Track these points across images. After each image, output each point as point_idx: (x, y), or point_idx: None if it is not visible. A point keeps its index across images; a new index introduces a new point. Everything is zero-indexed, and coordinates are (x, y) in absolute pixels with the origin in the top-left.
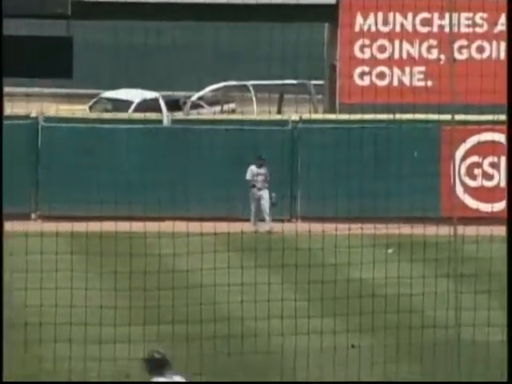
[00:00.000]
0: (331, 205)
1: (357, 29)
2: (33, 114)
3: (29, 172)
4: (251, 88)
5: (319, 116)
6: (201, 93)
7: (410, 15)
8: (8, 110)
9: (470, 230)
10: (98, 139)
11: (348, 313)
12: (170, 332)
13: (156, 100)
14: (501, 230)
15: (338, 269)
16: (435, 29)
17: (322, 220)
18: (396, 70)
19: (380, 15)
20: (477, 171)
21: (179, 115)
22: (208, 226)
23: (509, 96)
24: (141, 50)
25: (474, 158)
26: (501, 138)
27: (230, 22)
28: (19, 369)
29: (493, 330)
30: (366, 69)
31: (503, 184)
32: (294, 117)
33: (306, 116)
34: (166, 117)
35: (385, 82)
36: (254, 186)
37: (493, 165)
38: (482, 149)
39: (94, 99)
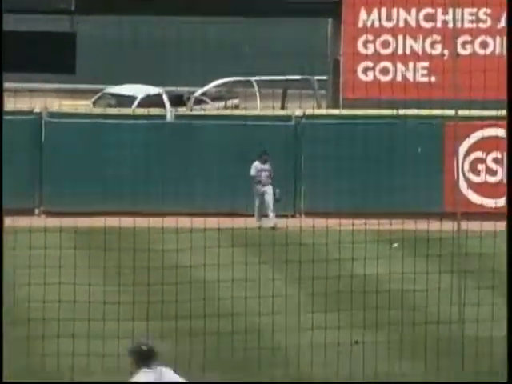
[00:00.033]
0: (335, 200)
1: (360, 24)
2: (36, 110)
3: (32, 167)
4: (255, 83)
5: (323, 111)
6: (204, 88)
7: (413, 11)
8: (12, 105)
9: (474, 226)
10: (102, 134)
11: (352, 308)
12: (174, 327)
13: (159, 95)
14: (504, 226)
15: (341, 264)
16: (439, 24)
17: (325, 215)
18: (399, 66)
19: (383, 11)
20: (480, 167)
21: (183, 111)
22: (212, 222)
23: (509, 92)
24: (145, 46)
25: (478, 154)
26: (504, 133)
27: (234, 17)
28: (22, 365)
29: (496, 326)
30: (370, 64)
31: None
32: (298, 112)
33: (309, 111)
34: (169, 112)
35: (388, 78)
36: (258, 182)
37: (496, 160)
38: (485, 144)
39: (98, 94)
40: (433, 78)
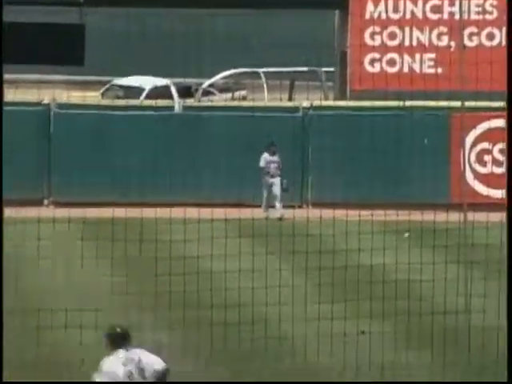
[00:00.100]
0: (342, 191)
1: (367, 16)
2: (45, 101)
3: (41, 158)
4: (262, 75)
5: (330, 103)
6: (212, 80)
7: (420, 2)
8: (20, 96)
9: (480, 216)
10: (110, 126)
11: (358, 298)
12: (181, 317)
13: (167, 87)
14: None
15: (348, 255)
16: (445, 16)
17: (332, 206)
18: (406, 57)
19: (390, 2)
20: (487, 158)
21: (190, 102)
22: (219, 212)
23: (509, 85)
24: (152, 38)
25: (484, 145)
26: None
27: (242, 9)
28: (32, 355)
29: (502, 316)
30: (377, 56)
31: None
32: (305, 103)
33: (316, 103)
34: (177, 103)
35: (395, 69)
36: (267, 174)
37: (503, 151)
38: (491, 135)
39: (106, 86)
40: (439, 70)
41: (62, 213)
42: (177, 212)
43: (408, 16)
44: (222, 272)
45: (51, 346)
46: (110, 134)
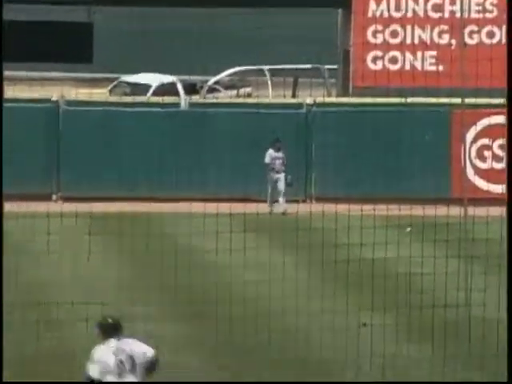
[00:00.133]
0: (345, 186)
1: (370, 14)
2: (54, 98)
3: (50, 154)
4: (267, 72)
5: (333, 99)
6: (217, 77)
7: (421, 1)
8: (29, 93)
9: (480, 211)
10: (117, 122)
11: (360, 292)
12: (186, 310)
13: (173, 84)
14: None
15: (350, 249)
16: (446, 14)
17: (335, 201)
18: (408, 55)
19: (392, 1)
20: (487, 153)
21: (196, 99)
22: (224, 207)
23: (509, 83)
24: (159, 36)
25: (484, 141)
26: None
27: (247, 7)
28: (37, 348)
29: (502, 309)
30: (379, 53)
31: None
32: (309, 100)
33: (320, 99)
34: (183, 100)
35: (397, 67)
36: (272, 170)
37: (502, 147)
38: (491, 131)
39: (114, 83)
40: (440, 67)
41: (70, 207)
42: (183, 207)
43: (410, 14)
44: (227, 266)
45: (58, 339)
46: (118, 131)
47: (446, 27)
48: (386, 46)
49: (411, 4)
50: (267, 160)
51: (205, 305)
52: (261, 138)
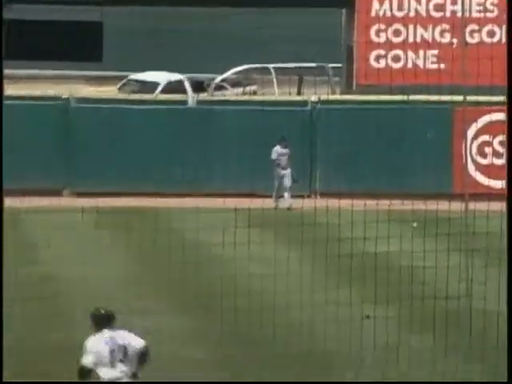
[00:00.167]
0: (348, 182)
1: (373, 14)
2: (64, 95)
3: (60, 150)
4: (272, 70)
5: (337, 97)
6: (224, 75)
7: (423, 1)
8: (40, 91)
9: (481, 206)
10: (126, 119)
11: (364, 285)
12: (193, 304)
13: (181, 82)
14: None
15: (354, 243)
16: (448, 14)
17: (339, 196)
18: (410, 54)
19: (395, 1)
20: (487, 149)
21: (204, 96)
22: (231, 202)
23: (509, 81)
24: (167, 35)
25: (485, 137)
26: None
27: (253, 7)
28: (49, 339)
29: (503, 301)
30: (382, 52)
31: None
32: (313, 98)
33: (324, 97)
34: (191, 98)
35: (399, 65)
36: (278, 166)
37: (503, 143)
38: (492, 128)
39: (123, 81)
40: (442, 65)
41: (80, 203)
42: (190, 202)
43: (412, 14)
44: (233, 259)
45: (66, 331)
46: (126, 127)
47: (447, 26)
48: (388, 45)
49: (413, 4)
50: (273, 156)
51: (210, 298)
52: (266, 135)
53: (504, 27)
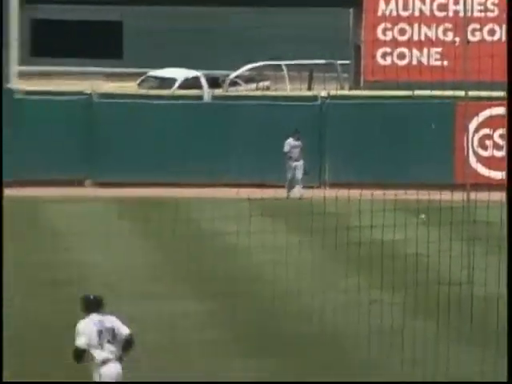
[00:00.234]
0: (356, 172)
1: (379, 13)
2: (87, 91)
3: (83, 143)
4: (284, 67)
5: (345, 92)
6: (238, 71)
7: (427, 1)
8: (64, 86)
9: (482, 196)
10: (146, 113)
11: (371, 271)
12: (210, 289)
13: (197, 78)
14: None
15: (361, 231)
16: (451, 13)
17: (347, 186)
18: (415, 51)
19: (400, 1)
20: (488, 142)
21: (219, 92)
22: (245, 193)
23: (509, 77)
24: (184, 34)
25: (486, 131)
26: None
27: (266, 7)
28: (65, 323)
29: (502, 287)
30: (388, 50)
31: None
32: (323, 93)
33: (333, 92)
34: (206, 93)
35: (405, 62)
36: (290, 158)
37: (503, 136)
38: (492, 122)
39: (142, 77)
40: (445, 63)
41: (102, 193)
42: (205, 192)
43: (417, 13)
44: (247, 247)
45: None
46: (146, 121)
47: (450, 25)
48: (394, 43)
49: (418, 4)
50: (286, 149)
51: (226, 284)
52: (278, 129)
53: (504, 26)
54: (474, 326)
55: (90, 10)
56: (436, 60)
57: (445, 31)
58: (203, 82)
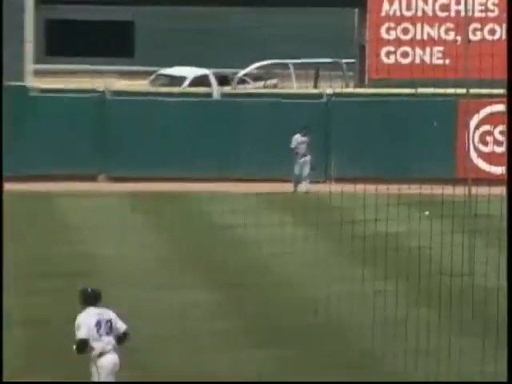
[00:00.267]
0: (361, 168)
1: (383, 13)
2: (100, 88)
3: (96, 139)
4: (291, 66)
5: (350, 90)
6: (246, 70)
7: (430, 1)
8: (78, 84)
9: (483, 191)
10: (157, 110)
11: (375, 262)
12: (220, 280)
13: (207, 76)
14: None
15: (366, 224)
16: (452, 13)
17: (352, 181)
18: (418, 50)
19: (404, 1)
20: (489, 138)
21: (228, 89)
22: (252, 187)
23: (509, 75)
24: (194, 33)
25: (487, 127)
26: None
27: (274, 7)
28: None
29: (502, 278)
30: (392, 49)
31: None
32: (329, 91)
33: (338, 90)
34: (215, 91)
35: (408, 60)
36: (297, 154)
37: (503, 132)
38: (493, 119)
39: (153, 75)
40: (447, 61)
41: (115, 187)
42: (215, 187)
43: (419, 13)
44: (255, 239)
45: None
46: (157, 118)
47: (452, 25)
48: (398, 42)
49: (421, 4)
50: (293, 145)
51: (236, 275)
52: (285, 125)
53: (504, 26)
54: (474, 316)
55: (103, 11)
56: (438, 59)
57: (447, 31)
58: (212, 79)
